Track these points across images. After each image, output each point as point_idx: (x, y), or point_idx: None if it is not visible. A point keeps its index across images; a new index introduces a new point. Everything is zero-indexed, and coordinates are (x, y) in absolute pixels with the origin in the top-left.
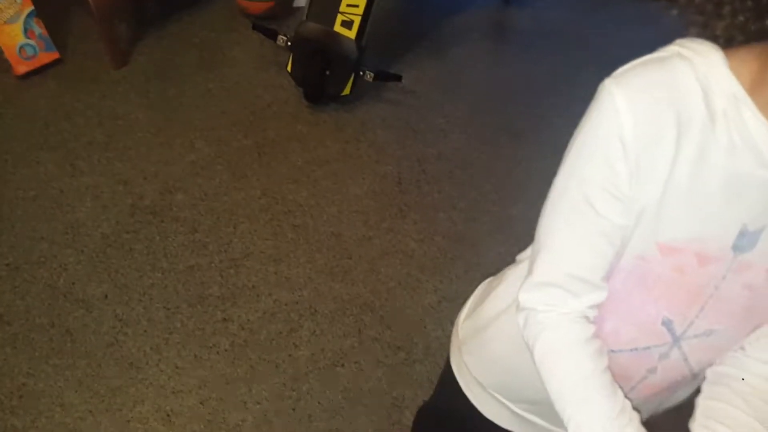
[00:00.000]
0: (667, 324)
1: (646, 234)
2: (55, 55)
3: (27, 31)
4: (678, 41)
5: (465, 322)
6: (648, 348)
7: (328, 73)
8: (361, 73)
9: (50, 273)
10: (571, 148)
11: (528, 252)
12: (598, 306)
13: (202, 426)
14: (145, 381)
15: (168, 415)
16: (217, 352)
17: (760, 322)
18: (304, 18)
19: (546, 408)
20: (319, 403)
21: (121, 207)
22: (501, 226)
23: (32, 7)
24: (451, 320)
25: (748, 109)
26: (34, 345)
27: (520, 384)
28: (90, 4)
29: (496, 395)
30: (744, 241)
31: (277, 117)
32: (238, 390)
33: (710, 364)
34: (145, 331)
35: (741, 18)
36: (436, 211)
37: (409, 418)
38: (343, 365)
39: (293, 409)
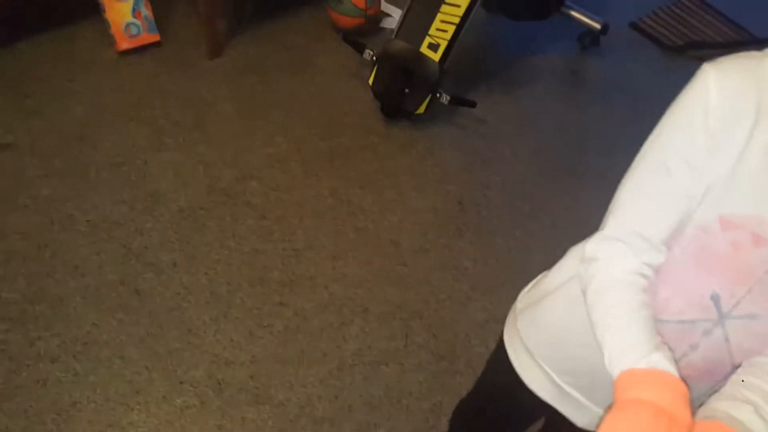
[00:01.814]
0: (715, 299)
1: (711, 205)
2: (156, 37)
3: (135, 11)
4: None
5: (525, 295)
6: (694, 322)
7: (407, 90)
8: (438, 95)
9: (126, 235)
10: (662, 119)
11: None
12: (656, 269)
13: (249, 398)
14: (201, 348)
15: (219, 383)
16: (271, 333)
17: None
18: (394, 36)
19: (587, 382)
20: (360, 396)
21: (199, 185)
22: (554, 259)
23: None
24: (496, 340)
25: None
26: (103, 298)
27: (567, 353)
28: None
29: (543, 364)
30: None
31: (353, 126)
32: (286, 371)
33: (749, 353)
34: (207, 302)
35: None
36: (493, 236)
37: (445, 424)
38: (387, 364)
39: (336, 397)
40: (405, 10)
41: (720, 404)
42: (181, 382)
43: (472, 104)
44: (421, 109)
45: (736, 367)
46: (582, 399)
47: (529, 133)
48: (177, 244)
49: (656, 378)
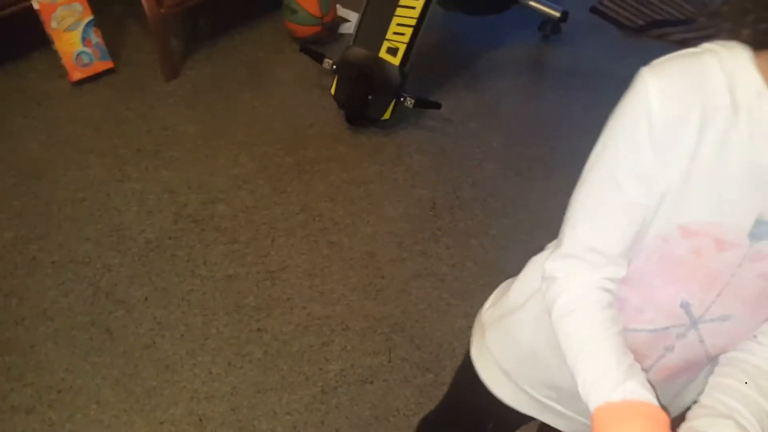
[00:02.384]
0: (685, 306)
1: (668, 215)
2: (109, 64)
3: (84, 40)
4: (710, 42)
5: (489, 310)
6: (667, 328)
7: (370, 97)
8: (402, 99)
9: (94, 273)
10: (605, 129)
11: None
12: (618, 281)
13: None
14: (180, 384)
15: (200, 420)
16: (250, 361)
17: None
18: (352, 43)
19: (567, 395)
20: (347, 418)
21: (165, 213)
22: (532, 255)
23: (92, 17)
24: None
25: None
26: (74, 342)
27: (542, 370)
28: (146, 17)
29: (519, 382)
30: (760, 230)
31: (318, 137)
32: (269, 399)
33: (726, 349)
34: (182, 335)
35: (763, 26)
36: (469, 238)
37: None
38: (372, 382)
39: (322, 422)
40: (359, 16)
41: (700, 422)
42: (161, 423)
43: (437, 106)
44: (386, 115)
45: (711, 359)
46: (564, 411)
47: (496, 129)
48: (147, 277)
49: (632, 411)
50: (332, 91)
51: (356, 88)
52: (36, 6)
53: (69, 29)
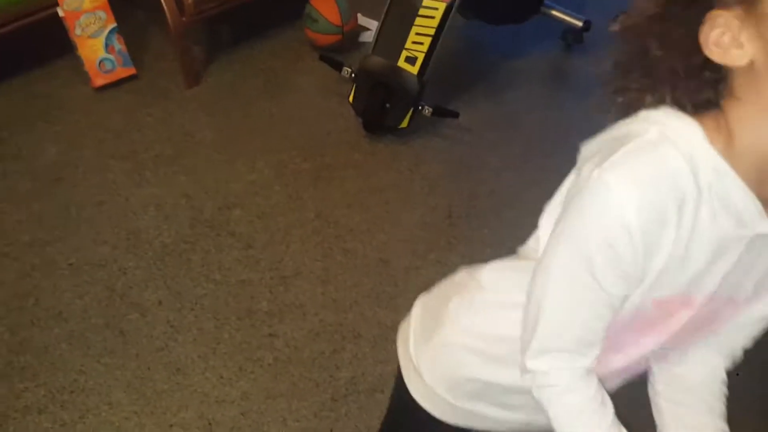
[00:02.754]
0: (651, 352)
1: (644, 294)
2: (131, 70)
3: (108, 47)
4: (652, 116)
5: (421, 346)
6: (628, 366)
7: (388, 105)
8: (420, 107)
9: (109, 276)
10: (570, 230)
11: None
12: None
13: None
14: (191, 388)
15: (209, 424)
16: (261, 366)
17: (712, 331)
18: (370, 52)
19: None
20: (356, 426)
21: (181, 218)
22: None
23: (115, 24)
24: None
25: (729, 178)
26: (88, 343)
27: (492, 397)
28: (168, 25)
29: (464, 407)
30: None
31: (336, 144)
32: (279, 405)
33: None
34: (194, 339)
35: (678, 92)
36: (484, 247)
37: None
38: (382, 391)
39: (331, 430)
40: (379, 25)
41: None
42: (171, 426)
43: (455, 115)
44: (404, 123)
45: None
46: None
47: (515, 138)
48: (161, 281)
49: None
50: (350, 99)
51: (374, 97)
52: (61, 13)
53: (93, 36)
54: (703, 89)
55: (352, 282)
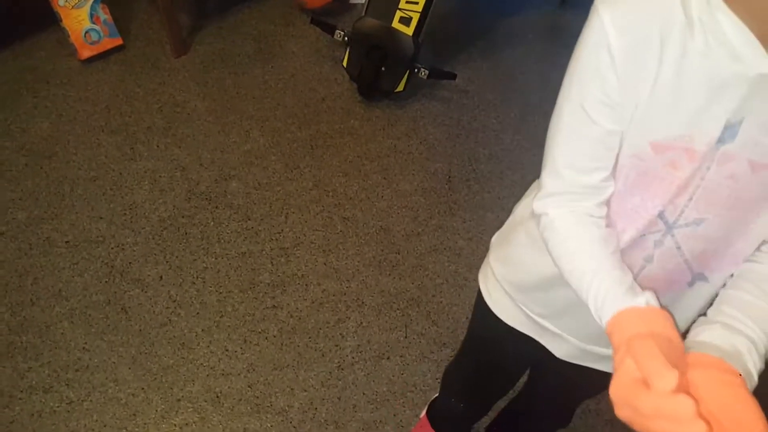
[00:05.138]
0: (661, 215)
1: (638, 134)
2: (118, 41)
3: (93, 17)
4: None
5: (496, 235)
6: (644, 236)
7: (383, 69)
8: (416, 70)
9: (108, 252)
10: (569, 65)
11: None
12: (605, 204)
13: (249, 408)
14: (196, 362)
15: (217, 396)
16: (266, 338)
17: (746, 212)
18: (363, 13)
19: (560, 311)
20: (364, 393)
21: (177, 191)
22: None
23: None
24: None
25: (721, 11)
26: (90, 321)
27: (537, 291)
28: None
29: (517, 301)
30: (726, 133)
31: (331, 111)
32: (285, 376)
33: (703, 255)
34: (197, 313)
35: None
36: (485, 211)
37: None
38: (388, 358)
39: (338, 398)
40: None
41: (694, 332)
42: (178, 400)
43: (452, 76)
44: (400, 87)
45: (695, 274)
46: (558, 331)
47: (513, 99)
48: (161, 256)
49: (642, 313)
50: (344, 63)
51: (369, 60)
52: None
53: (77, 6)
54: None
55: (354, 251)
